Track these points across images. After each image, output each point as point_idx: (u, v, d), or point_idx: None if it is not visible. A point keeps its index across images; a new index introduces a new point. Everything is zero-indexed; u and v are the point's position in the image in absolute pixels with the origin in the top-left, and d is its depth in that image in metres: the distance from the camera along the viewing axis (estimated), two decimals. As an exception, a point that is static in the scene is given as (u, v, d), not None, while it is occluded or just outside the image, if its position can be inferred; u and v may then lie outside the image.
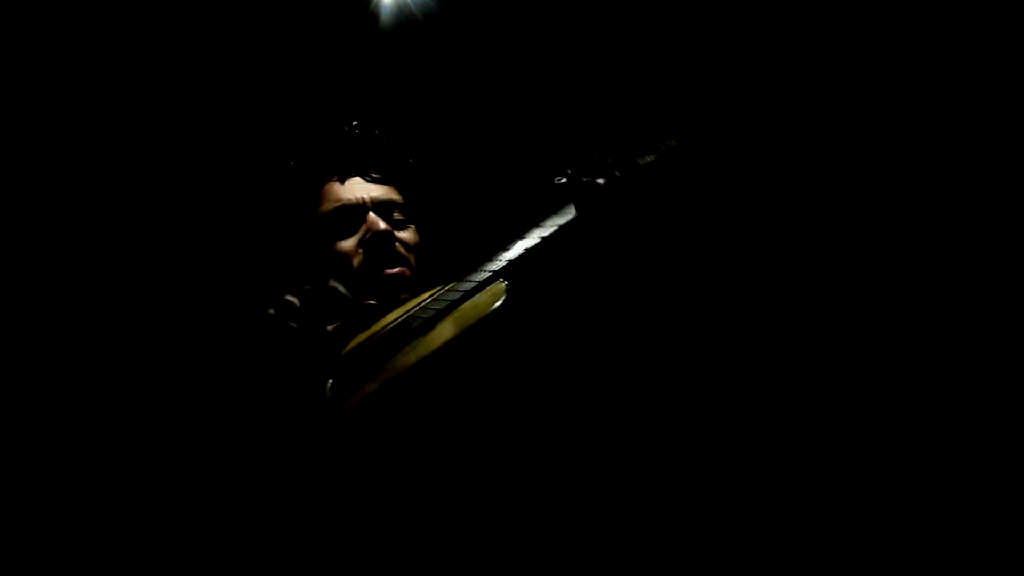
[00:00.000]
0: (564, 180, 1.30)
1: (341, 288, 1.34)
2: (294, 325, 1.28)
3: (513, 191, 1.90)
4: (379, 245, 1.52)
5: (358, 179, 1.60)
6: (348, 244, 1.54)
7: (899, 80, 1.67)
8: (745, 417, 1.52)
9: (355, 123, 1.65)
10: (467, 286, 1.31)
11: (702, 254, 1.56)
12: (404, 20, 1.96)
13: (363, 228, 1.55)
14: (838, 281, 1.63)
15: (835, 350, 1.60)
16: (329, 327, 1.35)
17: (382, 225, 1.53)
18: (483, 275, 1.32)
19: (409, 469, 1.25)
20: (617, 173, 1.29)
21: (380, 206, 1.58)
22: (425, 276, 1.57)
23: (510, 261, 1.31)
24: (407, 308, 1.39)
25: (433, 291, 1.40)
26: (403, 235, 1.57)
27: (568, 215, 1.34)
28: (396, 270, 1.51)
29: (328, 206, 1.57)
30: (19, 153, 1.87)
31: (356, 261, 1.52)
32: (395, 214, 1.59)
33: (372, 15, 1.97)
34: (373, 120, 1.67)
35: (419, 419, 1.25)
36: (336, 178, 1.60)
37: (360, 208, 1.56)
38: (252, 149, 1.90)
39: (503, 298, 1.21)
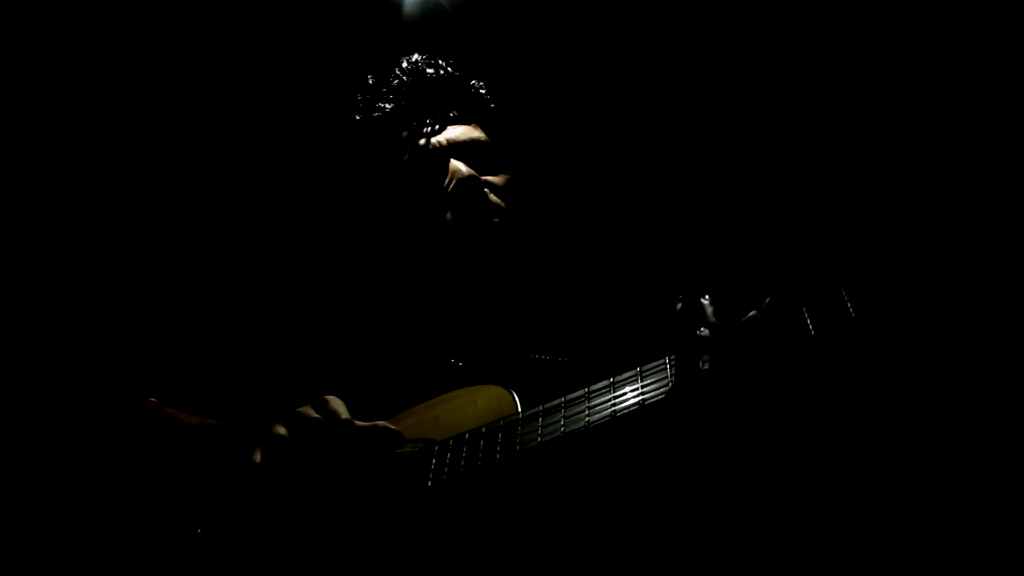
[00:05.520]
0: (701, 335, 0.94)
1: (339, 409, 1.18)
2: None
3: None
4: (465, 192, 1.35)
5: (432, 123, 1.42)
6: (431, 198, 1.38)
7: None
8: None
9: (416, 58, 1.47)
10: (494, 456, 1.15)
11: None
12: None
13: (447, 177, 1.38)
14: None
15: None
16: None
17: (464, 170, 1.36)
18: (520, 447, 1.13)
19: None
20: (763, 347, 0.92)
21: (461, 149, 1.40)
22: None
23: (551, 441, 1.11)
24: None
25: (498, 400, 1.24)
26: (492, 178, 1.40)
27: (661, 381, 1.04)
28: (484, 218, 1.35)
29: (403, 158, 1.40)
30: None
31: (448, 215, 1.37)
32: (481, 156, 1.41)
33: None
34: (438, 55, 1.49)
35: None
36: (408, 127, 1.42)
37: (439, 154, 1.39)
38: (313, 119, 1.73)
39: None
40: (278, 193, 1.85)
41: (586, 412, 1.09)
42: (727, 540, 1.18)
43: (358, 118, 1.46)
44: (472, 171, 1.36)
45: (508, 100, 1.57)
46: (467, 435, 1.21)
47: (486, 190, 1.38)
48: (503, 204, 1.39)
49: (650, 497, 1.17)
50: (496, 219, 1.37)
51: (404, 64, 1.47)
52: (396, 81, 1.46)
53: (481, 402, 1.26)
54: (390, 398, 1.30)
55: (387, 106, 1.44)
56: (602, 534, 1.16)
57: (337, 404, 1.18)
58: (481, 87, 1.50)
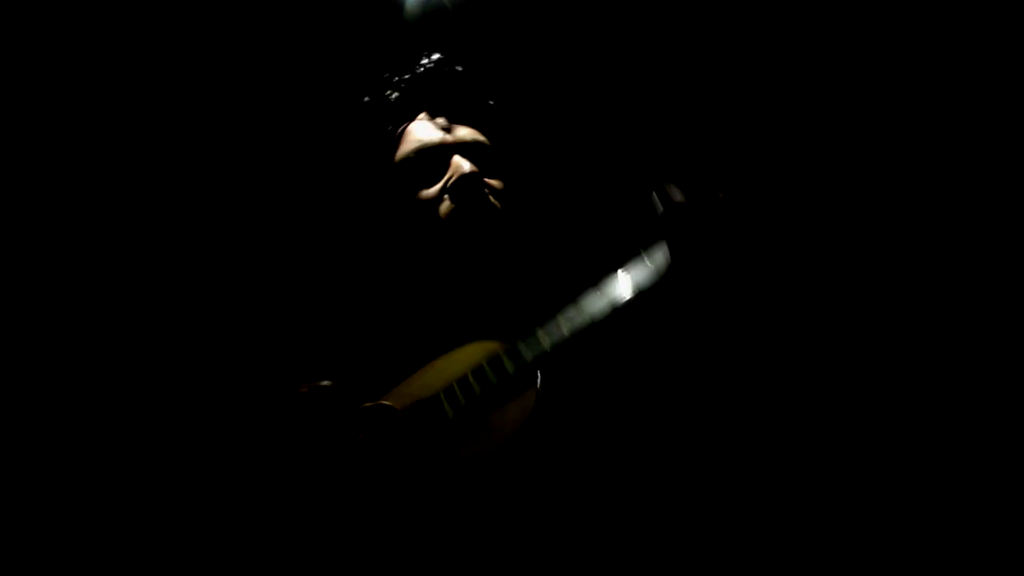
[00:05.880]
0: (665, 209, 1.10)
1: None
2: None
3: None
4: (466, 188, 1.36)
5: (441, 119, 1.46)
6: (431, 191, 1.39)
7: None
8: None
9: (436, 57, 1.51)
10: (504, 372, 1.18)
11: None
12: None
13: (448, 172, 1.39)
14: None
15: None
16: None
17: (467, 167, 1.37)
18: (523, 360, 1.17)
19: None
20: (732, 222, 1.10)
21: (466, 148, 1.42)
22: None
23: (553, 348, 1.16)
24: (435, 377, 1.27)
25: (482, 350, 1.26)
26: (491, 181, 1.42)
27: (646, 272, 1.14)
28: (481, 215, 1.37)
29: (408, 148, 1.43)
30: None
31: (443, 208, 1.37)
32: (482, 159, 1.43)
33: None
34: (453, 57, 1.53)
35: None
36: (415, 119, 1.46)
37: (444, 150, 1.41)
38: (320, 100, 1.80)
39: (524, 422, 1.11)
40: (275, 179, 1.87)
41: (585, 315, 1.14)
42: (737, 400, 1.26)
43: (366, 99, 1.50)
44: (475, 168, 1.38)
45: (508, 106, 1.59)
46: (470, 373, 1.20)
47: (486, 191, 1.40)
48: (500, 206, 1.41)
49: (669, 376, 1.22)
50: (492, 219, 1.38)
51: (424, 60, 1.51)
52: (410, 75, 1.50)
53: (467, 354, 1.25)
54: (381, 387, 1.30)
55: (395, 93, 1.48)
56: (634, 424, 1.21)
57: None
58: (491, 102, 1.53)
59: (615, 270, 1.17)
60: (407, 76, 1.50)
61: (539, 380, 1.13)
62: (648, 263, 1.13)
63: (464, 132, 1.44)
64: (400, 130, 1.45)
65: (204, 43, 1.86)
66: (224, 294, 1.78)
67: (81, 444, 1.65)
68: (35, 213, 1.76)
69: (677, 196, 1.09)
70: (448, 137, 1.42)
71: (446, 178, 1.38)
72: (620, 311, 1.11)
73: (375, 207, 1.47)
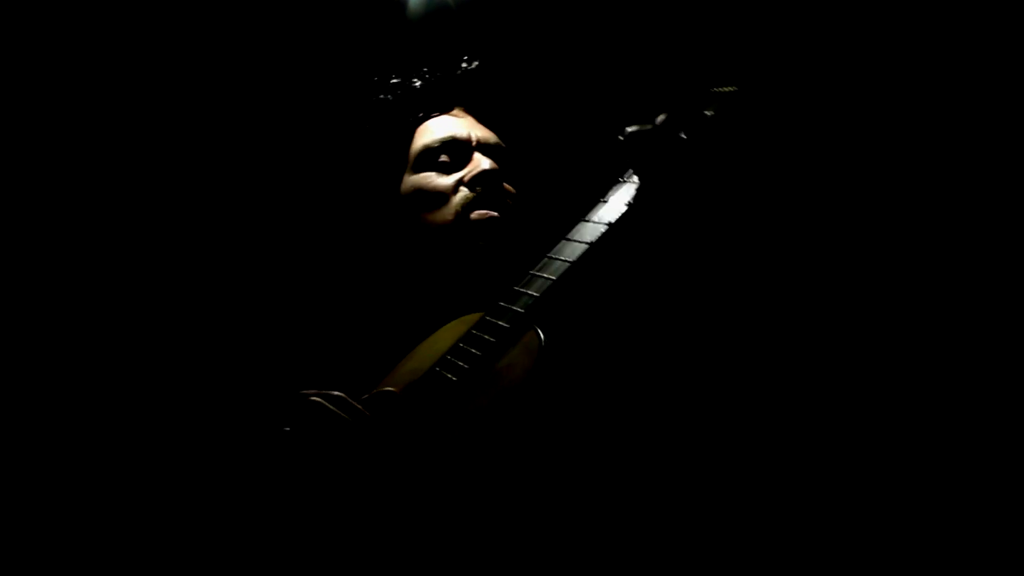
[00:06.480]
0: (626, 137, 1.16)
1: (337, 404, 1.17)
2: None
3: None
4: (487, 182, 1.39)
5: (471, 119, 1.51)
6: (446, 181, 1.42)
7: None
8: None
9: (476, 64, 1.57)
10: (498, 328, 1.16)
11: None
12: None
13: (468, 167, 1.42)
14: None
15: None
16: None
17: (489, 163, 1.40)
18: (515, 312, 1.16)
19: None
20: (683, 134, 1.14)
21: (489, 149, 1.46)
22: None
23: (543, 293, 1.15)
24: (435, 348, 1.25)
25: (465, 323, 1.25)
26: (506, 185, 1.46)
27: (622, 199, 1.19)
28: (484, 213, 1.38)
29: (435, 136, 1.46)
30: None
31: (457, 199, 1.40)
32: (501, 163, 1.46)
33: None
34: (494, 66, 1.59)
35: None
36: (447, 113, 1.51)
37: (469, 146, 1.45)
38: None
39: (535, 359, 1.08)
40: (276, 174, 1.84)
41: (573, 247, 1.14)
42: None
43: (394, 81, 1.55)
44: (496, 165, 1.41)
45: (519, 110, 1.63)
46: (460, 342, 1.18)
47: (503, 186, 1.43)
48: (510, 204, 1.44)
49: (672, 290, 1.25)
50: (493, 214, 1.40)
51: (464, 63, 1.56)
52: (448, 72, 1.55)
53: (449, 331, 1.25)
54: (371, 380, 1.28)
55: (422, 83, 1.53)
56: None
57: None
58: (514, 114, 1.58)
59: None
60: (443, 72, 1.55)
61: (537, 324, 1.11)
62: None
63: (489, 135, 1.49)
64: (429, 118, 1.50)
65: (201, 40, 1.88)
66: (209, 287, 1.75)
67: (78, 445, 1.62)
68: (33, 213, 1.74)
69: (641, 127, 1.17)
70: (475, 135, 1.47)
71: (465, 172, 1.42)
72: (603, 239, 1.13)
73: (375, 190, 1.49)
